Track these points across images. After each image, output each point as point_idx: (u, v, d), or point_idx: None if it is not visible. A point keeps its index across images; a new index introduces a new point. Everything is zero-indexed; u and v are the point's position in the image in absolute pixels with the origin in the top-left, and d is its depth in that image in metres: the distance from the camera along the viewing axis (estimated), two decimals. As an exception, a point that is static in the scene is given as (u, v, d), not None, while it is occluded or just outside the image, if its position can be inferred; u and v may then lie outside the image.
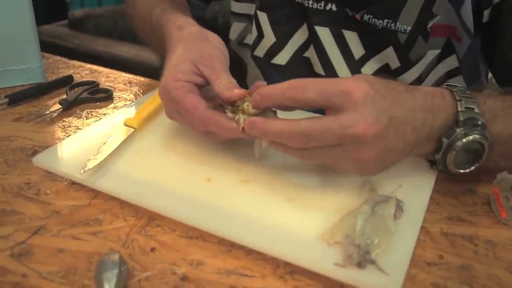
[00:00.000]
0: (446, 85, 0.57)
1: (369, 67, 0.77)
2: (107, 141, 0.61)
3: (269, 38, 0.81)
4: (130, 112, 0.70)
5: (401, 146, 0.51)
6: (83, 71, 0.93)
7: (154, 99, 0.71)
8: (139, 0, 0.86)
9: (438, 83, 0.77)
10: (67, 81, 0.84)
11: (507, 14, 0.67)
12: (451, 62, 0.76)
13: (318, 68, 0.79)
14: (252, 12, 0.83)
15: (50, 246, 0.48)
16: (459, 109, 0.53)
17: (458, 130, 0.53)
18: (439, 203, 0.56)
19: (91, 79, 0.87)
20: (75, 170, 0.56)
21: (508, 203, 0.53)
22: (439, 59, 0.75)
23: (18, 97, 0.78)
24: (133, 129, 0.64)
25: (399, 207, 0.50)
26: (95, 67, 0.94)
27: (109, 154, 0.58)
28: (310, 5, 0.76)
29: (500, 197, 0.54)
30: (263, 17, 0.81)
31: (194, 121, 0.55)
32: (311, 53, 0.79)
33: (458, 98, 0.54)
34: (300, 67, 0.81)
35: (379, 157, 0.50)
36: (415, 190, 0.55)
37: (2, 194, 0.56)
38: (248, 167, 0.58)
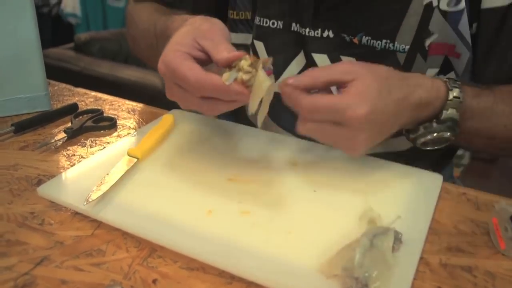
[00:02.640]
0: (446, 78, 0.66)
1: None
2: (110, 171, 0.62)
3: None
4: (133, 142, 0.71)
5: (384, 136, 0.60)
6: (88, 98, 0.94)
7: (156, 129, 0.72)
8: (141, 18, 0.88)
9: None
10: (72, 109, 0.86)
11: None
12: None
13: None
14: (248, 42, 0.85)
15: (54, 278, 0.48)
16: (444, 108, 0.63)
17: (435, 126, 0.64)
18: (438, 233, 0.57)
19: (96, 107, 0.88)
20: (78, 201, 0.56)
21: (507, 234, 0.53)
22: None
23: (24, 126, 0.79)
24: (136, 159, 0.65)
25: (397, 239, 0.51)
26: (99, 94, 0.96)
27: (112, 185, 0.59)
28: (306, 33, 0.77)
29: (499, 227, 0.55)
30: (260, 46, 0.82)
31: (190, 86, 0.55)
32: None
33: (449, 98, 0.63)
34: None
35: (369, 142, 0.58)
36: (414, 221, 0.56)
37: (7, 224, 0.56)
38: (249, 199, 0.59)
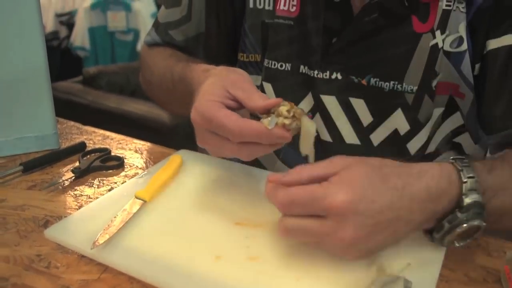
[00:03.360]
0: (452, 159, 0.58)
1: (378, 135, 0.78)
2: (117, 214, 0.62)
3: None
4: (141, 183, 0.71)
5: (389, 240, 0.54)
6: (96, 137, 0.94)
7: (164, 170, 0.73)
8: (157, 64, 0.89)
9: (445, 141, 0.79)
10: (80, 148, 0.86)
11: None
12: (456, 119, 0.77)
13: (325, 135, 0.80)
14: (258, 83, 0.86)
15: (59, 325, 0.48)
16: (463, 192, 0.55)
17: (461, 215, 0.55)
18: (448, 281, 0.56)
19: (103, 146, 0.89)
20: (85, 244, 0.56)
21: (518, 283, 0.52)
22: (444, 117, 0.77)
23: (33, 165, 0.79)
24: (143, 202, 0.65)
25: (407, 287, 0.50)
26: (107, 133, 0.96)
27: (119, 228, 0.59)
28: (315, 75, 0.78)
29: (511, 275, 0.54)
30: (268, 87, 0.83)
31: (229, 132, 0.56)
32: (316, 122, 0.80)
33: (464, 180, 0.55)
34: None
35: (359, 240, 0.51)
36: (423, 268, 0.55)
37: (13, 267, 0.56)
38: (257, 244, 0.59)
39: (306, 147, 0.60)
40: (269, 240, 0.60)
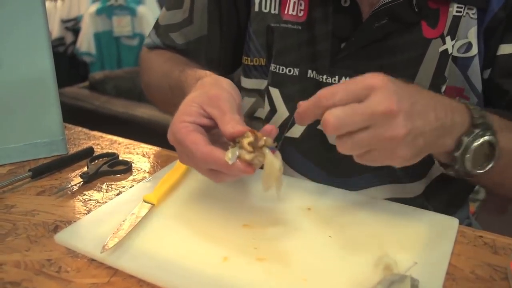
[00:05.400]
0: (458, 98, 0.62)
1: None
2: (126, 218, 0.62)
3: (282, 112, 0.84)
4: (148, 187, 0.72)
5: (428, 130, 0.54)
6: (103, 142, 0.95)
7: (171, 174, 0.73)
8: (155, 67, 0.89)
9: None
10: (88, 154, 0.87)
11: None
12: None
13: (334, 139, 0.80)
14: (262, 87, 0.86)
15: (70, 328, 0.49)
16: (474, 115, 0.59)
17: (476, 130, 0.58)
18: (455, 279, 0.56)
19: (111, 151, 0.89)
20: (95, 249, 0.57)
21: (525, 279, 0.53)
22: None
23: (41, 171, 0.80)
24: (151, 205, 0.66)
25: (414, 286, 0.50)
26: (114, 137, 0.97)
27: (128, 232, 0.59)
28: (324, 80, 0.78)
29: (517, 273, 0.54)
30: (275, 92, 0.83)
31: (195, 159, 0.57)
32: None
33: (471, 107, 0.59)
34: (314, 139, 0.82)
35: (410, 135, 0.52)
36: (430, 267, 0.55)
37: (24, 272, 0.57)
38: (264, 245, 0.59)
39: (269, 181, 0.58)
40: (276, 242, 0.60)
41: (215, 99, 0.60)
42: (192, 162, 0.59)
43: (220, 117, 0.58)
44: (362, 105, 0.51)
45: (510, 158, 0.64)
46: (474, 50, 0.71)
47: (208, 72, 0.70)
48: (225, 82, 0.64)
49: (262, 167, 0.58)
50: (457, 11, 0.71)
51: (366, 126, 0.51)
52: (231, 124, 0.57)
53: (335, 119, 0.51)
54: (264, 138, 0.56)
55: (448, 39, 0.72)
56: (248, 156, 0.55)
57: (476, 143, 0.58)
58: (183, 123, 0.58)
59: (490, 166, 0.61)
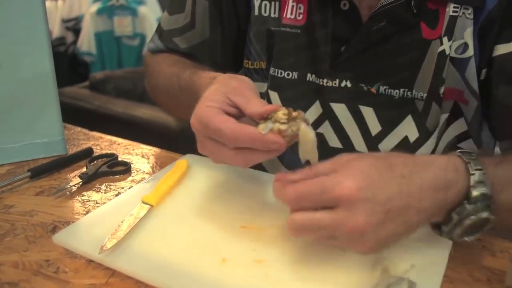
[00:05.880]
0: (459, 152, 0.57)
1: (387, 143, 0.78)
2: (124, 219, 0.62)
3: None
4: (147, 188, 0.72)
5: (402, 230, 0.52)
6: (103, 142, 0.95)
7: (170, 175, 0.73)
8: (163, 70, 0.89)
9: (449, 147, 0.79)
10: (87, 154, 0.87)
11: None
12: (460, 125, 0.77)
13: (335, 142, 0.80)
14: (262, 91, 0.86)
15: (68, 329, 0.49)
16: (471, 184, 0.54)
17: (469, 207, 0.54)
18: (452, 281, 0.56)
19: (110, 152, 0.89)
20: (93, 249, 0.57)
21: (523, 283, 0.52)
22: (448, 122, 0.77)
23: (40, 171, 0.80)
24: (150, 206, 0.66)
25: (412, 289, 0.51)
26: (114, 138, 0.97)
27: (127, 233, 0.60)
28: (324, 83, 0.78)
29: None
30: (274, 96, 0.83)
31: (224, 136, 0.56)
32: (325, 129, 0.81)
33: (471, 172, 0.54)
34: None
35: (378, 246, 0.51)
36: (428, 269, 0.55)
37: (22, 272, 0.57)
38: (262, 247, 0.59)
39: (306, 152, 0.59)
40: (274, 243, 0.60)
41: (239, 88, 0.60)
42: (217, 146, 0.58)
43: (246, 102, 0.59)
44: (328, 216, 0.50)
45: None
46: (470, 51, 0.71)
47: (220, 73, 0.70)
48: (242, 77, 0.65)
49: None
50: (453, 11, 0.71)
51: (330, 236, 0.51)
52: (260, 104, 0.58)
53: (297, 226, 0.52)
54: (299, 113, 0.58)
55: (445, 39, 0.72)
56: (283, 127, 0.55)
57: (468, 222, 0.54)
58: (209, 107, 0.58)
59: (478, 234, 0.56)
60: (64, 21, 4.17)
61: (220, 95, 0.60)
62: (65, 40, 4.21)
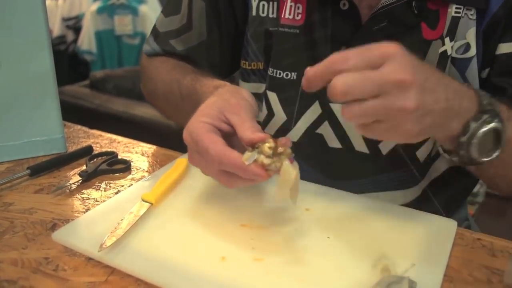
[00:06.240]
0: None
1: (387, 143, 0.78)
2: (124, 217, 0.62)
3: (280, 116, 0.83)
4: (147, 186, 0.72)
5: (437, 109, 0.52)
6: (103, 140, 0.95)
7: (170, 173, 0.73)
8: (161, 75, 0.88)
9: None
10: (87, 152, 0.87)
11: None
12: None
13: (334, 142, 0.80)
14: (260, 91, 0.86)
15: (67, 326, 0.49)
16: (483, 101, 0.58)
17: (484, 116, 0.57)
18: (453, 281, 0.56)
19: (110, 150, 0.89)
20: (93, 247, 0.57)
21: (523, 283, 0.52)
22: None
23: (40, 169, 0.80)
24: (150, 204, 0.66)
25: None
26: (114, 136, 0.97)
27: (126, 231, 0.59)
28: None
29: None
30: (273, 96, 0.83)
31: (210, 158, 0.56)
32: (324, 129, 0.80)
33: (480, 93, 0.58)
34: (313, 143, 0.82)
35: (419, 110, 0.50)
36: (428, 269, 0.55)
37: (21, 269, 0.57)
38: (262, 245, 0.59)
39: (282, 193, 0.58)
40: (274, 242, 0.60)
41: (236, 107, 0.60)
42: (205, 162, 0.59)
43: (240, 123, 0.59)
44: (375, 72, 0.49)
45: None
46: (473, 51, 0.71)
47: (225, 82, 0.70)
48: (245, 92, 0.65)
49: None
50: (456, 12, 0.71)
51: (376, 94, 0.49)
52: (251, 130, 0.57)
53: (344, 83, 0.49)
54: (285, 150, 0.57)
55: (447, 40, 0.71)
56: (266, 161, 0.55)
57: (483, 129, 0.56)
58: (202, 123, 0.59)
59: (496, 154, 0.59)
60: (65, 19, 4.17)
61: (216, 111, 0.60)
62: (66, 39, 4.21)
